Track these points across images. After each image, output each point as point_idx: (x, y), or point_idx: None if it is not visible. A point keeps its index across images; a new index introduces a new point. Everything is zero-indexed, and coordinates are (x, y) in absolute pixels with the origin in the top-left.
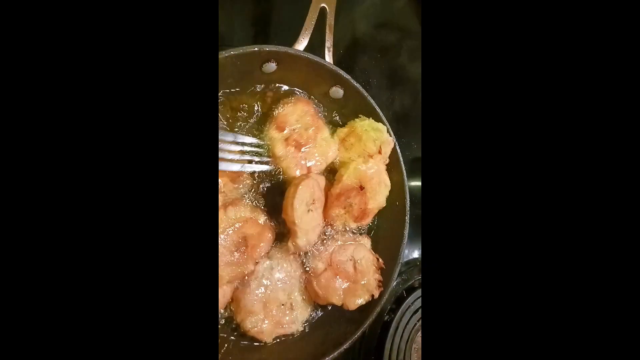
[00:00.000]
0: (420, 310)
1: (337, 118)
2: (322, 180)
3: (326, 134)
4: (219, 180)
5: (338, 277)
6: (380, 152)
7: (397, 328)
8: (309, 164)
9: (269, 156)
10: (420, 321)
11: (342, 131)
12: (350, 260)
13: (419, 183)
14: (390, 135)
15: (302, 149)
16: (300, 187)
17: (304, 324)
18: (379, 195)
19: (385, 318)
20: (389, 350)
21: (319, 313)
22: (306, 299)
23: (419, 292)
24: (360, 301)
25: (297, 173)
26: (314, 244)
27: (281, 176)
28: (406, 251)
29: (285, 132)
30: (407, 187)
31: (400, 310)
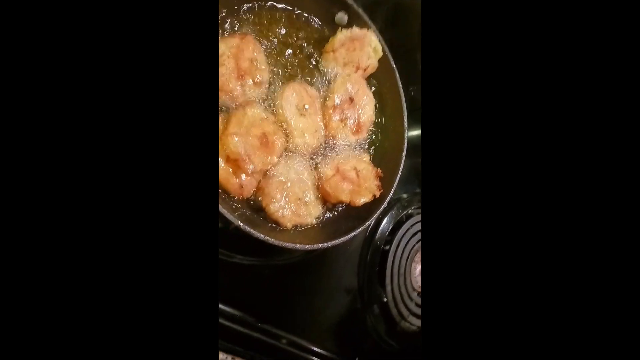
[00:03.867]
0: (418, 234)
1: None
2: (312, 90)
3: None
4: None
5: (344, 181)
6: (365, 69)
7: (397, 246)
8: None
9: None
10: (419, 243)
11: (344, 34)
12: (354, 169)
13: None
14: (390, 59)
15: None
16: (286, 88)
17: (317, 219)
18: (366, 107)
19: (386, 247)
20: (391, 263)
21: (329, 214)
22: (319, 198)
23: (416, 218)
24: (364, 200)
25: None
26: (318, 151)
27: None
28: (408, 186)
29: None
30: (406, 111)
31: (400, 231)
